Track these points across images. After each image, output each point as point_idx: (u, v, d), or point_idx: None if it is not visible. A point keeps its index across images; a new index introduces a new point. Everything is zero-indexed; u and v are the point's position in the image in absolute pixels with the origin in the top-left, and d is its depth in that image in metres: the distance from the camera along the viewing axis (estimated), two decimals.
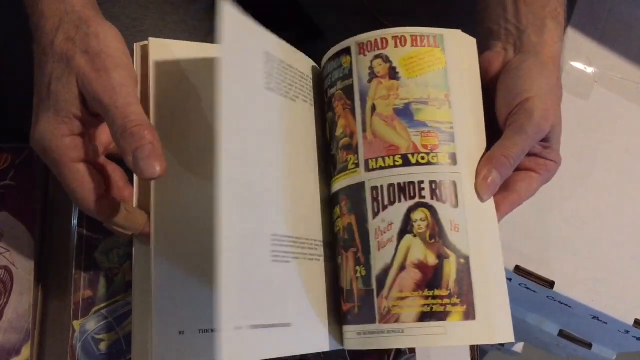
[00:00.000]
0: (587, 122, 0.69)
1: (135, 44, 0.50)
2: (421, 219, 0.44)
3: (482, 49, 0.52)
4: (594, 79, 0.71)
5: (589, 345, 0.78)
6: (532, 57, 0.49)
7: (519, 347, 1.03)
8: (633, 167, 0.69)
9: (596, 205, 0.67)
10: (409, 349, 0.55)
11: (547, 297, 0.66)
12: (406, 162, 0.45)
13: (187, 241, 0.49)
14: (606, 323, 0.66)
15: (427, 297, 0.43)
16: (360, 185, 0.46)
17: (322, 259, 0.49)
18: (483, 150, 0.48)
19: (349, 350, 0.54)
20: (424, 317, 0.43)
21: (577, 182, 0.67)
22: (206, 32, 0.67)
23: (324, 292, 0.49)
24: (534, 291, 0.66)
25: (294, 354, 0.45)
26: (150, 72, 0.49)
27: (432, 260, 0.44)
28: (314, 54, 0.57)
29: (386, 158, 0.46)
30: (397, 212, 0.45)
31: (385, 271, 0.44)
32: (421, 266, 0.44)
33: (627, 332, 0.66)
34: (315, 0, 0.74)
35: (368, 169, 0.46)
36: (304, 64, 0.52)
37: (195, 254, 0.49)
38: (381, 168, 0.46)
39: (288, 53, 0.50)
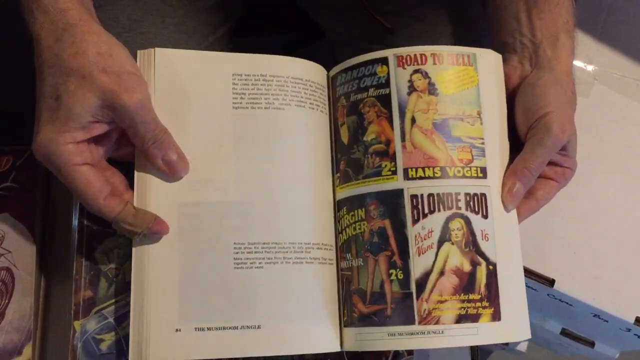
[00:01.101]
0: (587, 119, 0.69)
1: (138, 52, 0.51)
2: (457, 228, 0.48)
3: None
4: (594, 77, 0.71)
5: (591, 344, 0.78)
6: (547, 72, 0.53)
7: (523, 346, 1.03)
8: (634, 165, 0.68)
9: (596, 203, 0.67)
10: (406, 350, 0.55)
11: (548, 295, 0.66)
12: (444, 175, 0.49)
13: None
14: (607, 321, 0.65)
15: (463, 301, 0.48)
16: (399, 192, 0.49)
17: (316, 261, 0.50)
18: (507, 163, 0.51)
19: (347, 352, 0.54)
20: (460, 319, 0.47)
21: (577, 180, 0.67)
22: (206, 33, 0.67)
23: (321, 294, 0.50)
24: (535, 289, 0.66)
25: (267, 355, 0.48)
26: (154, 82, 0.50)
27: (467, 266, 0.48)
28: (315, 54, 0.57)
29: (426, 169, 0.49)
30: (436, 220, 0.48)
31: (426, 275, 0.48)
32: (458, 272, 0.48)
33: (629, 330, 0.66)
34: (315, 1, 0.74)
35: (407, 177, 0.49)
36: (319, 73, 0.55)
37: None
38: (421, 178, 0.49)
39: (307, 67, 0.54)
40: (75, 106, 0.44)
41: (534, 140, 0.51)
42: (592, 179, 0.67)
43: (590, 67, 0.71)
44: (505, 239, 0.50)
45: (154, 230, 0.48)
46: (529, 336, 0.50)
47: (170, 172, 0.49)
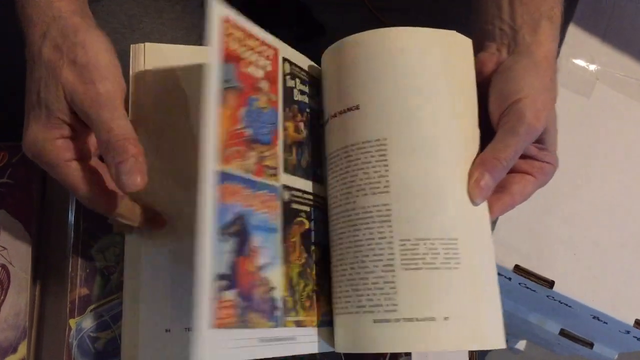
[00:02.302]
0: (588, 120, 0.69)
1: (131, 45, 0.50)
2: None
3: (477, 49, 0.52)
4: (596, 77, 0.70)
5: (590, 345, 0.78)
6: (525, 57, 0.49)
7: (521, 345, 1.03)
8: (635, 166, 0.68)
9: (596, 204, 0.66)
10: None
11: (547, 296, 0.65)
12: None
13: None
14: (606, 323, 0.65)
15: None
16: None
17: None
18: (476, 154, 0.48)
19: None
20: None
21: (577, 181, 0.67)
22: (203, 29, 0.66)
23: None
24: (534, 290, 0.66)
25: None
26: (145, 77, 0.49)
27: None
28: (316, 50, 0.57)
29: None
30: None
31: None
32: None
33: (628, 332, 0.65)
34: None
35: None
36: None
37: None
38: None
39: None
40: (51, 102, 0.43)
41: (505, 128, 0.47)
42: (593, 179, 0.67)
43: (592, 67, 0.70)
44: (471, 236, 0.46)
45: (151, 225, 0.48)
46: (502, 345, 0.46)
47: (117, 183, 0.43)
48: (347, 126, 0.48)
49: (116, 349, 0.52)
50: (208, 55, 0.43)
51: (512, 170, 0.48)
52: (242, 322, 0.43)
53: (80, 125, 0.45)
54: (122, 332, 0.48)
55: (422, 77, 0.47)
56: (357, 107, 0.48)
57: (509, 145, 0.46)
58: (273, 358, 0.45)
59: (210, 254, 0.41)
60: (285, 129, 0.49)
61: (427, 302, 0.44)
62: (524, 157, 0.49)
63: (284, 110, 0.49)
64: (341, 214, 0.48)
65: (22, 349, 0.52)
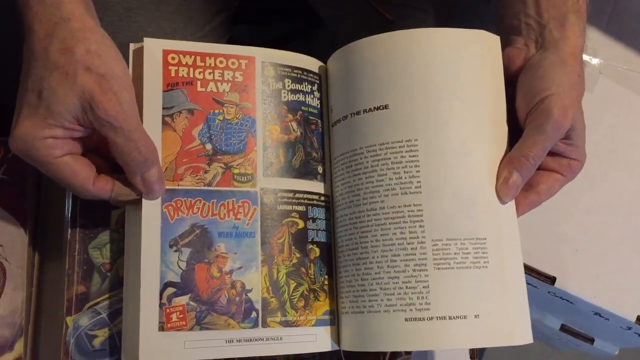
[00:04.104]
0: (591, 114, 0.67)
1: (131, 44, 0.50)
2: None
3: (504, 45, 0.52)
4: (599, 70, 0.70)
5: (591, 340, 0.78)
6: (552, 53, 0.49)
7: None
8: (637, 161, 0.68)
9: (600, 200, 0.66)
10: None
11: (549, 292, 0.65)
12: None
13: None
14: (608, 319, 0.65)
15: None
16: None
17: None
18: (503, 153, 0.48)
19: (344, 351, 0.53)
20: None
21: (579, 177, 0.66)
22: (202, 22, 0.66)
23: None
24: (535, 287, 0.65)
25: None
26: (144, 73, 0.49)
27: None
28: (315, 44, 0.56)
29: None
30: None
31: None
32: None
33: (629, 328, 0.65)
34: None
35: None
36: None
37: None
38: None
39: None
40: (55, 104, 0.42)
41: (532, 126, 0.47)
42: (596, 175, 0.66)
43: (595, 61, 0.70)
44: (499, 235, 0.47)
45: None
46: (529, 340, 0.48)
47: (147, 191, 0.46)
48: (372, 125, 0.48)
49: (113, 346, 0.52)
50: (146, 88, 0.47)
51: (540, 168, 0.49)
52: (201, 325, 0.47)
53: (78, 128, 0.44)
54: (123, 330, 0.48)
55: (452, 77, 0.47)
56: (386, 107, 0.48)
57: (537, 143, 0.46)
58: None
59: (155, 266, 0.46)
60: (267, 132, 0.51)
61: (459, 300, 0.45)
62: (552, 154, 0.49)
63: (265, 114, 0.51)
64: (363, 213, 0.48)
65: (19, 347, 0.52)
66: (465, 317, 0.45)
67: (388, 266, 0.46)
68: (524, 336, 0.47)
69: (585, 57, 0.70)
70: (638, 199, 0.66)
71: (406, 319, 0.45)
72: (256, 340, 0.48)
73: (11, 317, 0.52)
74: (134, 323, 0.46)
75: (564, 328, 0.77)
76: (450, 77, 0.47)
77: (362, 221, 0.48)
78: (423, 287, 0.45)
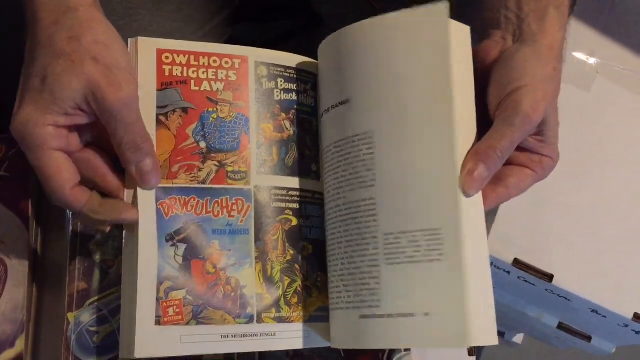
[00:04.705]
0: (588, 113, 0.69)
1: (130, 40, 0.50)
2: None
3: (482, 38, 0.51)
4: (596, 70, 0.70)
5: (588, 338, 0.78)
6: (528, 45, 0.47)
7: (519, 339, 1.04)
8: (634, 159, 0.68)
9: (597, 198, 0.66)
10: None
11: (546, 290, 0.66)
12: None
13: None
14: (605, 317, 0.65)
15: None
16: None
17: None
18: (472, 144, 0.46)
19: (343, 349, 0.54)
20: None
21: (577, 175, 0.67)
22: (203, 21, 0.66)
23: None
24: (533, 284, 0.66)
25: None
26: (139, 72, 0.49)
27: None
28: (315, 42, 0.56)
29: None
30: None
31: None
32: None
33: (627, 325, 0.66)
34: None
35: None
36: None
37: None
38: None
39: None
40: (59, 90, 0.42)
41: (502, 118, 0.45)
42: (593, 173, 0.67)
43: (592, 60, 0.70)
44: (457, 227, 0.44)
45: (124, 218, 0.46)
46: (492, 342, 0.44)
47: (141, 181, 0.46)
48: (338, 121, 0.48)
49: (114, 343, 0.52)
50: (141, 87, 0.47)
51: (511, 163, 0.47)
52: (197, 320, 0.47)
53: (81, 118, 0.44)
54: (121, 325, 0.48)
55: (413, 67, 0.46)
56: (348, 101, 0.48)
57: (505, 135, 0.45)
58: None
59: (152, 260, 0.46)
60: (261, 131, 0.51)
61: (407, 297, 0.43)
62: (522, 149, 0.48)
63: (258, 113, 0.51)
64: (333, 210, 0.48)
65: (20, 343, 0.52)
66: (413, 314, 0.43)
67: (348, 262, 0.46)
68: (484, 338, 0.43)
69: (582, 56, 0.70)
70: (635, 197, 0.67)
71: (361, 317, 0.45)
72: (251, 335, 0.48)
73: (12, 313, 0.53)
74: (130, 317, 0.46)
75: (561, 326, 0.78)
76: (411, 67, 0.46)
77: (330, 219, 0.49)
78: (375, 283, 0.45)
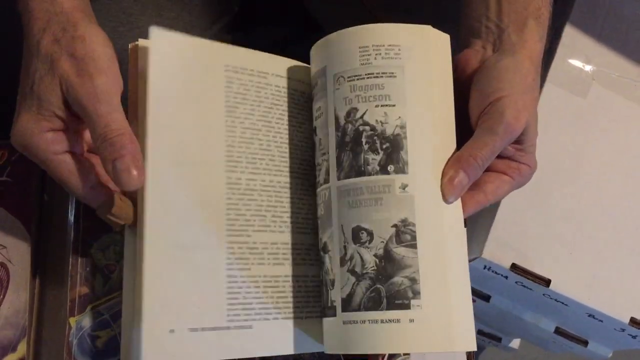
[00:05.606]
0: (584, 120, 0.69)
1: (130, 44, 0.50)
2: None
3: (463, 47, 0.52)
4: (592, 77, 0.71)
5: (584, 343, 0.78)
6: (508, 56, 0.48)
7: (515, 344, 1.04)
8: (630, 165, 0.68)
9: (593, 203, 0.67)
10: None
11: (543, 295, 0.66)
12: None
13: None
14: (602, 321, 0.66)
15: None
16: None
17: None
18: (452, 153, 0.47)
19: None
20: None
21: (573, 180, 0.67)
22: (203, 27, 0.66)
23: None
24: (530, 289, 0.66)
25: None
26: (149, 66, 0.48)
27: None
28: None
29: None
30: None
31: None
32: None
33: (623, 330, 0.66)
34: None
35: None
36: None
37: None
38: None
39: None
40: (43, 92, 0.42)
41: (484, 127, 0.46)
42: (589, 179, 0.67)
43: (588, 67, 0.71)
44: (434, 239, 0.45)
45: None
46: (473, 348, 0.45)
47: (115, 181, 0.42)
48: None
49: (116, 347, 0.52)
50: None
51: (489, 169, 0.48)
52: None
53: (72, 118, 0.44)
54: (122, 332, 0.47)
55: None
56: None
57: (487, 144, 0.45)
58: None
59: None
60: None
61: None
62: (501, 157, 0.48)
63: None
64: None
65: (22, 348, 0.52)
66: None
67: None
68: (465, 344, 0.44)
69: (578, 63, 0.71)
70: (632, 202, 0.67)
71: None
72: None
73: (14, 318, 0.53)
74: (128, 322, 0.46)
75: (558, 331, 0.78)
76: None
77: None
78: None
